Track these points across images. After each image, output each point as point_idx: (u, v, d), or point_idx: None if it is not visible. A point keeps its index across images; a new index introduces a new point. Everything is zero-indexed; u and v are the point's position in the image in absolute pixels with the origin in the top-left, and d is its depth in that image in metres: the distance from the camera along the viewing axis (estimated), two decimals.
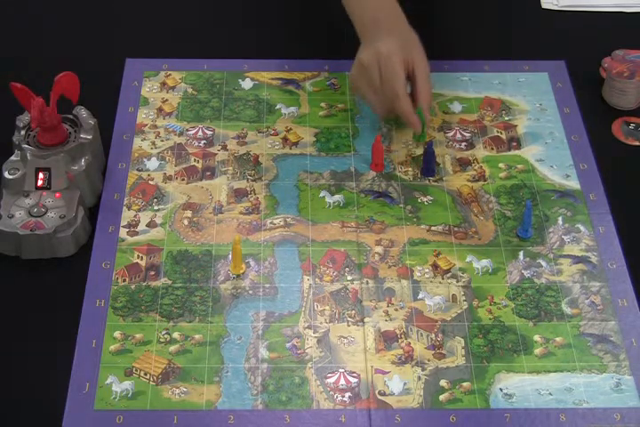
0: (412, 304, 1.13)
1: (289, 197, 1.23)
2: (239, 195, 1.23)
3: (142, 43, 1.44)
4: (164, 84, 1.37)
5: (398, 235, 1.19)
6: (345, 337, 1.10)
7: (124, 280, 1.14)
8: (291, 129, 1.31)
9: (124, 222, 1.19)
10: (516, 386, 1.06)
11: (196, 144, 1.29)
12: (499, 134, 1.32)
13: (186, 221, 1.20)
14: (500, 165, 1.28)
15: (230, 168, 1.26)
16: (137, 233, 1.18)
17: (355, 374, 1.06)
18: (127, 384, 1.05)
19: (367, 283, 1.15)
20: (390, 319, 1.11)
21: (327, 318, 1.11)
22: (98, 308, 1.11)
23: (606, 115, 1.35)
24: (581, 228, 1.21)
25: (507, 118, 1.34)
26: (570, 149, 1.30)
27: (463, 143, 1.30)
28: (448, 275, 1.15)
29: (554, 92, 1.37)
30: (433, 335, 1.10)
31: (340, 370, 1.07)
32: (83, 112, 1.22)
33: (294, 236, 1.19)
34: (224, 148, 1.29)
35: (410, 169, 1.27)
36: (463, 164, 1.28)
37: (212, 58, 1.41)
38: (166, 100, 1.35)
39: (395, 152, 1.29)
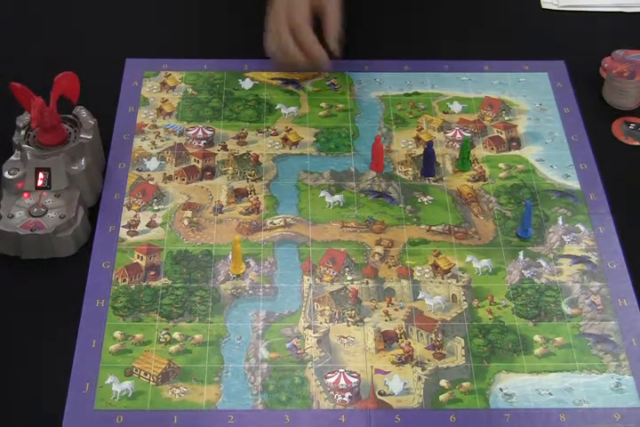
0: (412, 304, 1.13)
1: (289, 197, 1.23)
2: (239, 195, 1.23)
3: (142, 43, 1.44)
4: (163, 84, 1.37)
5: (398, 235, 1.19)
6: (345, 337, 1.10)
7: (124, 280, 1.14)
8: (291, 129, 1.31)
9: (124, 222, 1.19)
10: (516, 386, 1.06)
11: (196, 144, 1.29)
12: (499, 134, 1.32)
13: (186, 221, 1.20)
14: (500, 164, 1.28)
15: (230, 168, 1.26)
16: (137, 233, 1.18)
17: (355, 375, 1.06)
18: (127, 384, 1.05)
19: (367, 283, 1.15)
20: (390, 319, 1.11)
21: (327, 318, 1.11)
22: (98, 308, 1.11)
23: (606, 115, 1.35)
24: (581, 228, 1.21)
25: (507, 118, 1.34)
26: (570, 149, 1.30)
27: None
28: (448, 275, 1.15)
29: (554, 92, 1.37)
30: (433, 335, 1.10)
31: (340, 370, 1.06)
32: (83, 112, 1.22)
33: (294, 236, 1.19)
34: (224, 148, 1.29)
35: (410, 169, 1.27)
36: None
37: (212, 58, 1.41)
38: (166, 100, 1.35)
39: (395, 152, 1.29)
